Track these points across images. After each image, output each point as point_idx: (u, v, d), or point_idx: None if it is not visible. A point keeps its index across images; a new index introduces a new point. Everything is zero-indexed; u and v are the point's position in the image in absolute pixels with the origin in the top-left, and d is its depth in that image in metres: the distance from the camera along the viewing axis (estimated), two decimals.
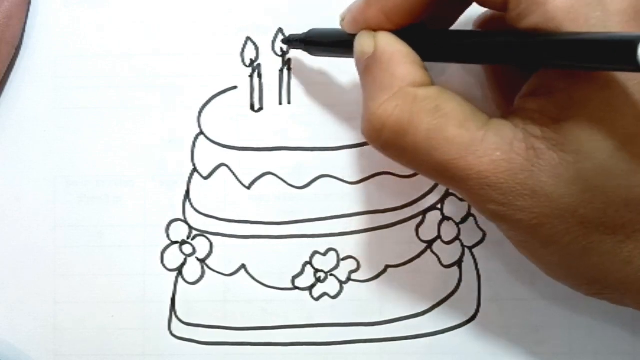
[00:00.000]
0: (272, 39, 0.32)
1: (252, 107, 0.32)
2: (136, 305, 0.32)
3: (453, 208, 0.32)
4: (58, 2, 0.33)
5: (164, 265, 0.32)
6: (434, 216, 0.32)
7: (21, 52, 0.32)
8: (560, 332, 0.31)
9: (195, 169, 0.32)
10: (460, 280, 0.32)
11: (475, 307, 0.32)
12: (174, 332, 0.32)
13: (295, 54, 0.32)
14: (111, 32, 0.32)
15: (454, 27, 0.28)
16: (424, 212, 0.32)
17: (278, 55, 0.32)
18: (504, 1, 0.23)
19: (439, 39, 0.25)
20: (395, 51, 0.25)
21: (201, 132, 0.32)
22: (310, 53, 0.30)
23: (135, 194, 0.32)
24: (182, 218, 0.32)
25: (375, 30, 0.26)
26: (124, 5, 0.32)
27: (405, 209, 0.32)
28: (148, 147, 0.32)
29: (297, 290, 0.32)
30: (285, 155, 0.32)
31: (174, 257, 0.32)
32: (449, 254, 0.32)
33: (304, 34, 0.30)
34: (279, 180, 0.32)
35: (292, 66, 0.32)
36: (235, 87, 0.32)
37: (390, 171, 0.32)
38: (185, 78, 0.32)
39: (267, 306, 0.32)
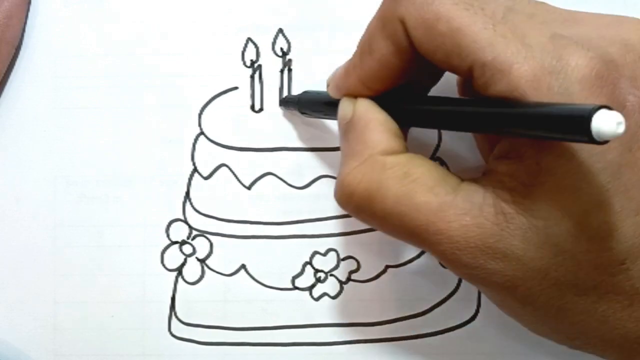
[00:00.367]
0: (272, 39, 0.32)
1: (252, 107, 0.32)
2: (136, 305, 0.32)
3: None
4: (58, 2, 0.33)
5: (164, 265, 0.32)
6: None
7: (21, 52, 0.32)
8: None
9: (195, 169, 0.32)
10: (460, 280, 0.32)
11: (475, 307, 0.32)
12: (174, 332, 0.32)
13: (296, 54, 0.32)
14: (111, 32, 0.32)
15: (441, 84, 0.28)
16: None
17: (278, 56, 0.32)
18: (469, 70, 0.23)
19: (415, 106, 0.26)
20: (371, 119, 0.25)
21: (201, 132, 0.32)
22: (303, 113, 0.31)
23: (135, 194, 0.32)
24: (182, 218, 0.32)
25: (356, 96, 0.26)
26: (124, 5, 0.32)
27: None
28: (148, 147, 0.32)
29: (297, 291, 0.32)
30: (286, 155, 0.32)
31: (174, 257, 0.32)
32: None
33: (297, 95, 0.31)
34: (279, 181, 0.32)
35: (292, 67, 0.32)
36: (235, 88, 0.32)
37: None
38: (185, 78, 0.32)
39: (267, 306, 0.32)
